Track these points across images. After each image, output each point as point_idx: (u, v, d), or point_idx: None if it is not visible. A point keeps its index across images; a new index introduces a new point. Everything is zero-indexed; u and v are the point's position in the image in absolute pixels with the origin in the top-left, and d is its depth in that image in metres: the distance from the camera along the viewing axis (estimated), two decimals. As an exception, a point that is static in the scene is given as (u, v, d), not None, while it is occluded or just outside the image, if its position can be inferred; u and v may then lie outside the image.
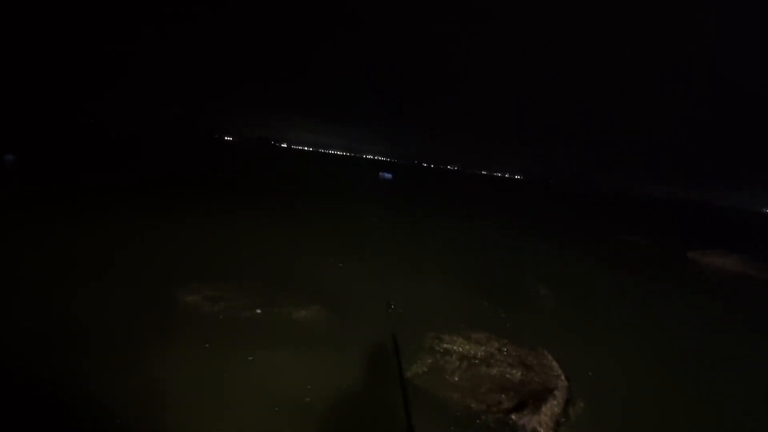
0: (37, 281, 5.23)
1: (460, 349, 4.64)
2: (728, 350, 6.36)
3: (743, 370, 5.55)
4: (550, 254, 12.44)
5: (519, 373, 4.24)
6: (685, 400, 4.54)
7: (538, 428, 3.48)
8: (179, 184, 17.25)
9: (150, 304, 4.93)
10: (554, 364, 4.50)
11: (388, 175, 48.64)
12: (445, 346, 4.70)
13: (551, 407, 3.71)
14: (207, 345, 4.17)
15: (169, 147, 48.57)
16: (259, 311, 5.05)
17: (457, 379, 4.14)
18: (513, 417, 3.59)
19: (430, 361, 4.41)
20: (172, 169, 23.68)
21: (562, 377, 4.27)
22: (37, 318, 4.31)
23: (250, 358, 4.03)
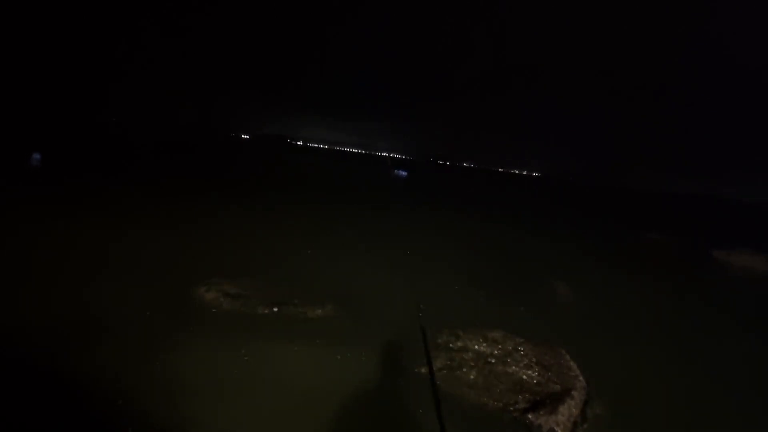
0: (59, 278, 5.41)
1: (476, 347, 4.61)
2: (758, 357, 6.10)
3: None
4: (569, 252, 12.21)
5: (536, 373, 4.20)
6: (708, 406, 4.40)
7: (555, 428, 3.44)
8: (197, 182, 17.58)
9: (170, 301, 5.05)
10: (572, 364, 4.43)
11: (403, 173, 48.62)
12: (460, 343, 4.68)
13: (569, 408, 3.67)
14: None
15: (187, 146, 49.54)
16: (276, 309, 5.12)
17: (472, 377, 4.12)
18: (530, 417, 3.56)
19: (445, 358, 4.41)
20: (190, 168, 24.16)
21: (581, 378, 4.21)
22: (58, 314, 4.44)
23: (267, 356, 4.10)
